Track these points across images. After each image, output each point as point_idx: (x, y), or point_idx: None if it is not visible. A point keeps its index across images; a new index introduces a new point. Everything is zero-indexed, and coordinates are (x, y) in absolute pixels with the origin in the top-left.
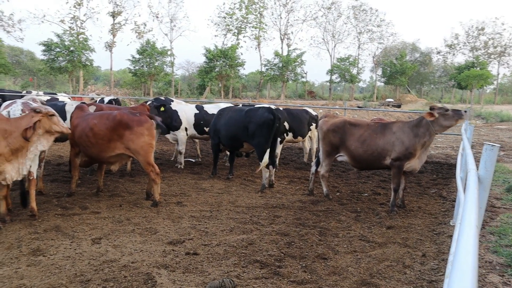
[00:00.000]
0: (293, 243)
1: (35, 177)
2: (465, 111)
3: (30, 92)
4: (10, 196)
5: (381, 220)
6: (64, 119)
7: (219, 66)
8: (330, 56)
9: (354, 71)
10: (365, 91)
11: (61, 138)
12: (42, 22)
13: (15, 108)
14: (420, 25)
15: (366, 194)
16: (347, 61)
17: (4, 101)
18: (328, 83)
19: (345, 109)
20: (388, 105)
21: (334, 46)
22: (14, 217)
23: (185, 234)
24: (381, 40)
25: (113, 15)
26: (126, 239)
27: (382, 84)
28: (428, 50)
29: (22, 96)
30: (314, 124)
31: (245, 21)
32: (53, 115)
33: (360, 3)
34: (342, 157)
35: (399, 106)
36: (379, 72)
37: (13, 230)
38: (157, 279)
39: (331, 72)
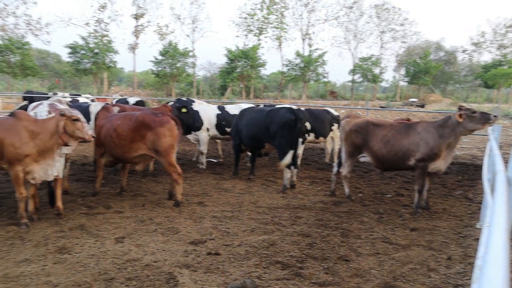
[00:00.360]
0: (315, 244)
1: (61, 176)
2: (495, 116)
3: (56, 94)
4: (37, 195)
5: (405, 222)
6: (88, 120)
7: (240, 66)
8: (352, 55)
9: (377, 71)
10: (387, 91)
11: None
12: (68, 25)
13: (41, 110)
14: (445, 24)
15: (389, 195)
16: (369, 60)
17: (32, 102)
18: (350, 83)
19: (367, 109)
20: (411, 105)
21: (356, 46)
22: (41, 216)
23: (206, 234)
24: (404, 39)
25: (136, 17)
26: (149, 238)
27: (406, 83)
28: (453, 48)
29: (48, 98)
30: (336, 125)
31: (266, 21)
32: (77, 119)
33: (383, 2)
34: (365, 157)
35: (422, 106)
36: (402, 71)
37: (40, 228)
38: (179, 278)
39: (353, 72)
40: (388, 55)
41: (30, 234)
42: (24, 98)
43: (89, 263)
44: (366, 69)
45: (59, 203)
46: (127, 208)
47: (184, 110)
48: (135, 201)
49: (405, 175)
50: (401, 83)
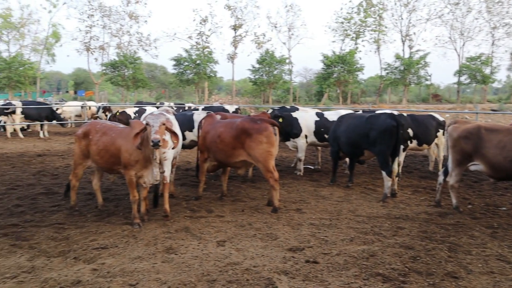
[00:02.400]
0: (418, 258)
1: (168, 181)
2: None
3: (163, 104)
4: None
5: None
6: (192, 128)
7: (337, 72)
8: (458, 55)
9: (487, 71)
10: (500, 92)
11: (189, 145)
12: (173, 39)
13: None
14: None
15: (504, 208)
16: (479, 60)
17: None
18: (455, 85)
19: (476, 113)
20: None
21: (463, 45)
22: (150, 217)
23: (304, 242)
24: None
25: (235, 28)
26: (248, 243)
27: None
28: None
29: (157, 107)
30: (441, 131)
31: (364, 24)
32: (147, 124)
33: None
34: (477, 166)
35: None
36: None
37: (150, 229)
38: (278, 284)
39: (459, 73)
40: (501, 53)
41: (141, 233)
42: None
43: (193, 264)
44: (474, 69)
45: (167, 206)
46: (227, 212)
47: (280, 120)
48: (235, 206)
49: None
50: None
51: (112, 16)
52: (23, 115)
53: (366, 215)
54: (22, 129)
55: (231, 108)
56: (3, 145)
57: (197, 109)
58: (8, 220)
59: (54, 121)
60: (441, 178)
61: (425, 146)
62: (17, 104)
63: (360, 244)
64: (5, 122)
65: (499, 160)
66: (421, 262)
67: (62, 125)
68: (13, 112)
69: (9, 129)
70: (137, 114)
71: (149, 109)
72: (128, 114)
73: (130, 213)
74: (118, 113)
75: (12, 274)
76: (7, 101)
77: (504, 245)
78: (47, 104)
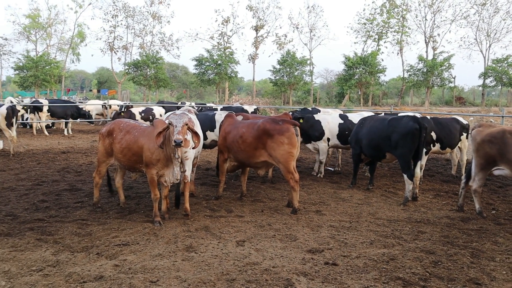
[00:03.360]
0: (440, 263)
1: (189, 180)
2: None
3: (184, 103)
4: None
5: None
6: (214, 128)
7: (358, 73)
8: (484, 57)
9: None
10: None
11: (210, 145)
12: (195, 39)
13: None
14: None
15: None
16: (505, 62)
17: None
18: (480, 88)
19: (502, 116)
20: None
21: (489, 46)
22: (171, 216)
23: (324, 244)
24: None
25: (256, 28)
26: (267, 244)
27: None
28: None
29: (178, 107)
30: (464, 134)
31: (386, 26)
32: (170, 124)
33: None
34: (501, 170)
35: None
36: None
37: (171, 227)
38: (297, 285)
39: (484, 75)
40: None
41: (162, 231)
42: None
43: (213, 263)
44: (500, 72)
45: (187, 205)
46: (247, 212)
47: (301, 120)
48: (255, 206)
49: None
50: None
51: (135, 16)
52: (49, 113)
53: (386, 218)
54: (47, 127)
55: (250, 108)
56: (29, 141)
57: (216, 109)
58: (34, 215)
59: (79, 119)
60: (464, 182)
61: (448, 149)
62: (44, 102)
63: (380, 248)
64: (31, 120)
65: None
66: (442, 267)
67: (90, 122)
68: (40, 109)
69: (35, 126)
70: (143, 114)
71: (156, 109)
72: (133, 113)
73: (151, 211)
74: (122, 112)
75: (38, 267)
76: (34, 99)
77: None
78: (72, 102)
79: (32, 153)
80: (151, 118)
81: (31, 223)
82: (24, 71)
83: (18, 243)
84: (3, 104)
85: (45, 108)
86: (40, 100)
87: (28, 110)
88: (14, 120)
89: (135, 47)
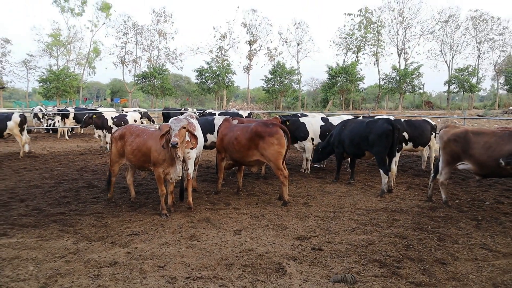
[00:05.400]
0: (411, 246)
1: (191, 177)
2: None
3: (187, 110)
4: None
5: (506, 230)
6: (213, 131)
7: (340, 81)
8: (448, 67)
9: (474, 81)
10: (485, 99)
11: (210, 146)
12: (196, 53)
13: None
14: None
15: (487, 203)
16: (466, 71)
17: (170, 117)
18: (445, 93)
19: (464, 118)
20: (511, 113)
21: (452, 57)
22: (176, 209)
23: (311, 232)
24: (504, 48)
25: (250, 43)
26: (261, 232)
27: (505, 92)
28: None
29: (182, 113)
30: (433, 134)
31: (364, 39)
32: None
33: (480, 13)
34: (464, 165)
35: None
36: (502, 80)
37: (176, 219)
38: (287, 268)
39: (449, 82)
40: (486, 65)
41: (168, 222)
42: (163, 114)
43: (213, 250)
44: (462, 79)
45: (190, 199)
46: (243, 205)
47: (287, 122)
48: (250, 199)
49: (505, 183)
50: (500, 91)
51: (144, 33)
52: (74, 119)
53: (365, 208)
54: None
55: (244, 113)
56: (52, 145)
57: (212, 114)
58: (56, 209)
59: None
60: (432, 175)
61: (420, 147)
62: (71, 110)
63: (360, 234)
64: (57, 125)
65: (484, 159)
66: (413, 250)
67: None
68: (67, 116)
69: (60, 131)
70: (115, 120)
71: (130, 115)
72: (105, 118)
73: (159, 205)
74: (95, 116)
75: (61, 254)
76: (63, 107)
77: (487, 235)
78: (94, 110)
79: (54, 155)
80: (123, 124)
81: (54, 216)
82: (47, 83)
83: (43, 233)
84: (13, 112)
85: (71, 116)
86: (68, 109)
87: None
88: (25, 126)
89: (143, 60)
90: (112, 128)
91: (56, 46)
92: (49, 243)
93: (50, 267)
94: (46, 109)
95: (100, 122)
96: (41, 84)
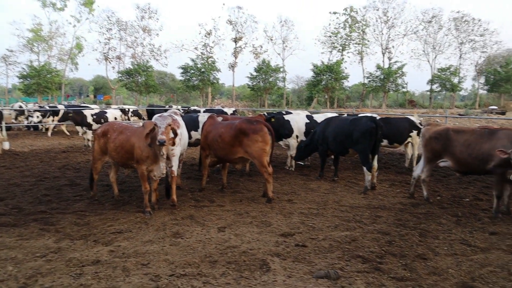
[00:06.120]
0: (393, 242)
1: (175, 175)
2: None
3: (172, 107)
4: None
5: (484, 226)
6: (197, 128)
7: (325, 79)
8: (431, 66)
9: (455, 80)
10: (466, 99)
11: (195, 143)
12: (181, 50)
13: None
14: None
15: (467, 199)
16: (448, 71)
17: (153, 114)
18: (428, 93)
19: (446, 116)
20: (491, 113)
21: (435, 57)
22: (160, 206)
23: (295, 228)
24: (484, 49)
25: (235, 40)
26: (245, 229)
27: (485, 92)
28: None
29: (166, 110)
30: (415, 131)
31: (349, 38)
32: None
33: (462, 15)
34: (445, 162)
35: (503, 114)
36: (482, 80)
37: (159, 216)
38: (271, 265)
39: (431, 82)
40: (467, 65)
41: (152, 220)
42: (147, 111)
43: (197, 247)
44: (444, 79)
45: (174, 196)
46: (227, 202)
47: (272, 120)
48: (234, 197)
49: (484, 180)
50: (481, 91)
51: (128, 29)
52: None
53: (349, 205)
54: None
55: (229, 110)
56: (33, 142)
57: (197, 111)
58: (37, 207)
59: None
60: (415, 173)
61: (396, 145)
62: (61, 107)
63: (343, 230)
64: (46, 122)
65: (464, 156)
66: (395, 245)
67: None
68: (56, 114)
69: (50, 129)
70: (95, 116)
71: (110, 112)
72: (85, 115)
73: (142, 202)
74: (73, 113)
75: (41, 253)
76: (51, 105)
77: (466, 231)
78: (84, 107)
79: (35, 153)
80: (102, 121)
81: (35, 215)
82: (28, 79)
83: (24, 232)
84: None
85: (60, 113)
86: (59, 106)
87: (47, 114)
88: (3, 123)
89: (127, 57)
90: (92, 125)
91: (37, 41)
92: (30, 242)
93: (30, 267)
94: (26, 106)
95: (79, 119)
96: (22, 80)
